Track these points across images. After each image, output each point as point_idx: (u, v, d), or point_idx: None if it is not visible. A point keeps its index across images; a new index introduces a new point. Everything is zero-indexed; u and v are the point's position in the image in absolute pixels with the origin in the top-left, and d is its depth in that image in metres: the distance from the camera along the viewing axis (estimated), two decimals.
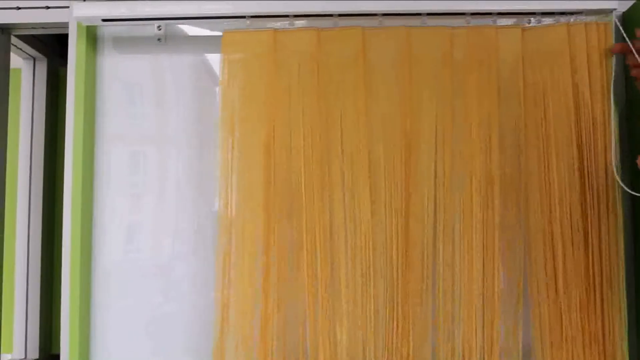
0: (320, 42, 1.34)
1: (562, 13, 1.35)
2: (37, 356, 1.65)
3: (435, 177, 1.30)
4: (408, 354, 1.27)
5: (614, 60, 1.31)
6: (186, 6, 1.35)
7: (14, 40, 1.53)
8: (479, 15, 1.36)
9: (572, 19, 1.37)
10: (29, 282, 1.66)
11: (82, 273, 1.36)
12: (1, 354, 1.47)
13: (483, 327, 1.27)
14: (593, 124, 1.31)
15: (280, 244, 1.29)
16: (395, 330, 1.27)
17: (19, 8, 1.44)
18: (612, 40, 1.32)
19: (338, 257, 1.29)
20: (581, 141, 1.31)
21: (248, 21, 1.35)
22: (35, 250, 1.67)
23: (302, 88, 1.32)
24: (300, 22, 1.37)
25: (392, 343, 1.27)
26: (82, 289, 1.36)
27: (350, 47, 1.33)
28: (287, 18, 1.36)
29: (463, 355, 1.27)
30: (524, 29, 1.34)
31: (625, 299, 1.28)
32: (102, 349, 1.39)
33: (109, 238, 1.41)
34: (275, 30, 1.34)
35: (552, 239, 1.29)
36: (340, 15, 1.35)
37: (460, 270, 1.28)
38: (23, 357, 1.65)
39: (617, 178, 1.27)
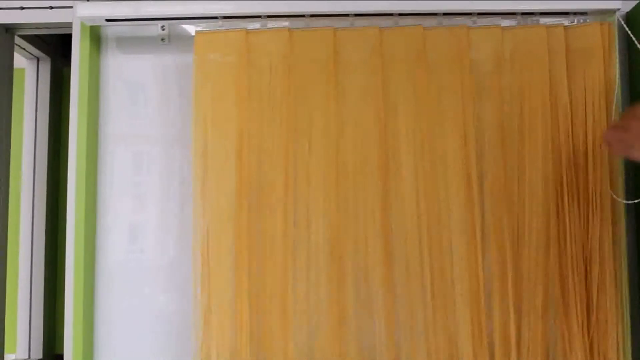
0: (292, 43, 1.33)
1: (566, 13, 1.35)
2: (40, 356, 1.65)
3: (416, 176, 1.29)
4: (382, 353, 1.26)
5: (617, 60, 1.31)
6: (190, 6, 1.35)
7: (17, 40, 1.54)
8: (461, 15, 1.36)
9: (575, 19, 1.36)
10: (33, 282, 1.66)
11: (86, 273, 1.37)
12: (5, 354, 1.47)
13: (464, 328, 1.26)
14: (585, 124, 1.31)
15: (253, 246, 1.28)
16: (372, 328, 1.27)
17: (22, 8, 1.44)
18: (615, 40, 1.32)
19: (313, 258, 1.28)
20: (568, 142, 1.30)
21: (250, 21, 1.36)
22: (39, 250, 1.67)
23: (274, 88, 1.32)
24: (274, 23, 1.36)
25: (369, 341, 1.27)
26: (86, 289, 1.36)
27: (322, 47, 1.33)
28: (277, 19, 1.36)
29: (451, 354, 1.26)
30: (503, 29, 1.34)
31: (628, 306, 1.29)
32: (105, 349, 1.39)
33: (112, 238, 1.41)
34: (248, 30, 1.34)
35: (520, 238, 1.28)
36: (312, 15, 1.35)
37: (441, 269, 1.28)
38: (26, 357, 1.65)
39: (610, 191, 1.27)
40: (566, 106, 1.30)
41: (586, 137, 1.30)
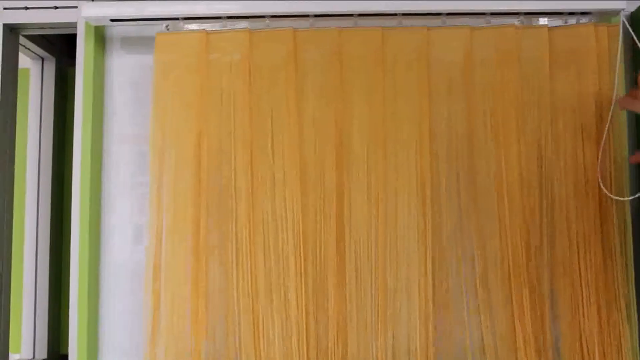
0: (252, 44, 1.34)
1: (572, 13, 1.35)
2: (45, 356, 1.65)
3: (369, 180, 1.30)
4: (337, 355, 1.27)
5: (621, 61, 1.31)
6: (195, 6, 1.36)
7: (22, 40, 1.53)
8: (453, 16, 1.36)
9: (584, 19, 1.37)
10: (37, 281, 1.66)
11: (90, 273, 1.37)
12: (9, 354, 1.47)
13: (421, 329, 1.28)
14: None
15: (210, 248, 1.30)
16: (324, 331, 1.28)
17: (27, 8, 1.44)
18: (619, 41, 1.31)
19: (269, 261, 1.30)
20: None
21: (255, 21, 1.37)
22: (44, 249, 1.67)
23: (233, 89, 1.33)
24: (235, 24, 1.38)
25: (322, 344, 1.28)
26: (90, 289, 1.36)
27: (282, 48, 1.34)
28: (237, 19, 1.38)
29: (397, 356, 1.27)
30: (472, 30, 1.33)
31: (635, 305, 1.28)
32: (110, 349, 1.39)
33: (117, 238, 1.42)
34: (208, 31, 1.35)
35: (508, 245, 1.28)
36: (272, 16, 1.36)
37: (395, 274, 1.29)
38: (31, 357, 1.65)
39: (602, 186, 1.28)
40: (547, 108, 1.31)
41: (583, 136, 1.31)
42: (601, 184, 1.27)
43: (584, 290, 1.27)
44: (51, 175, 1.69)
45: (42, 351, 1.66)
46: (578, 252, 1.28)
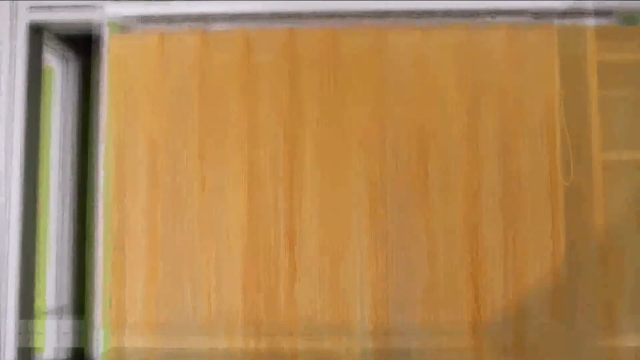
0: (205, 46, 1.35)
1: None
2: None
3: (320, 183, 1.32)
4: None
5: None
6: (219, 6, 1.36)
7: (46, 39, 1.54)
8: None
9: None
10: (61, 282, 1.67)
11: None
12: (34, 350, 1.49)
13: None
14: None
15: (166, 249, 1.33)
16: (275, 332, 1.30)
17: (52, 7, 1.44)
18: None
19: (224, 259, 1.32)
20: None
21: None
22: (67, 249, 1.68)
23: (188, 93, 1.35)
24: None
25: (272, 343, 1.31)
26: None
27: (235, 50, 1.34)
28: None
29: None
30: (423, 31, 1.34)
31: None
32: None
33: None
34: (162, 34, 1.36)
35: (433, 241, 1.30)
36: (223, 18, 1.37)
37: (349, 275, 1.30)
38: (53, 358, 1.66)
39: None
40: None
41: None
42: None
43: None
44: (75, 174, 1.70)
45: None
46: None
